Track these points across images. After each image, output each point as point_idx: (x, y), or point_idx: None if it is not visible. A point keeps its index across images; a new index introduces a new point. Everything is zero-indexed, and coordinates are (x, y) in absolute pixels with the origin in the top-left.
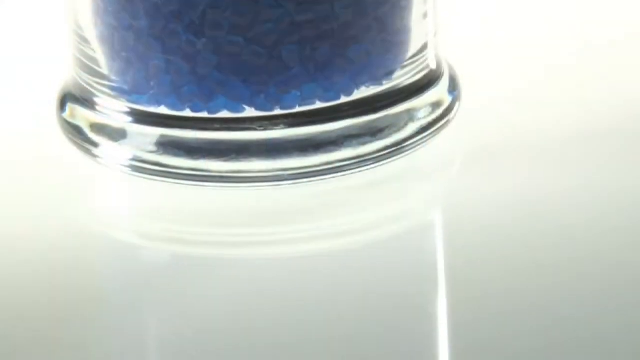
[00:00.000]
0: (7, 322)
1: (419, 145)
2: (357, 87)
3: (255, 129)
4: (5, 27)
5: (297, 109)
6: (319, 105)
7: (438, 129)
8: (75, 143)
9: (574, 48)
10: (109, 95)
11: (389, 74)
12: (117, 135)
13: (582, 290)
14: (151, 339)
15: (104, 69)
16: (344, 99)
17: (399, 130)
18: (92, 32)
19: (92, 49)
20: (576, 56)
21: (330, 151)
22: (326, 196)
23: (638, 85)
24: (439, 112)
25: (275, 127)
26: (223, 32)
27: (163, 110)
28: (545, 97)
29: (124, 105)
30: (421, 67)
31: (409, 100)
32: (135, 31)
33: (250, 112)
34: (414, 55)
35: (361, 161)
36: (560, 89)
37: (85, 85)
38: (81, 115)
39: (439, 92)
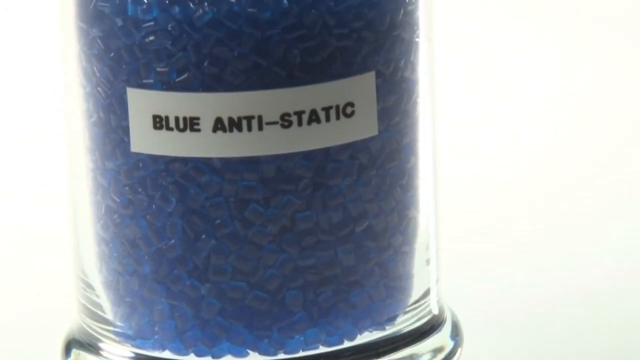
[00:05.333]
0: None
1: None
2: (360, 331)
3: None
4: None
5: (301, 354)
6: (322, 349)
7: None
8: None
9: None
10: (114, 341)
11: (391, 319)
12: None
13: None
14: None
15: (109, 314)
16: (347, 344)
17: None
18: (96, 278)
19: (97, 295)
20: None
21: None
22: None
23: None
24: (441, 356)
25: None
26: (226, 277)
27: (167, 354)
28: (551, 345)
29: (128, 350)
30: (423, 312)
31: (411, 346)
32: (140, 276)
33: (254, 356)
34: (416, 301)
35: None
36: (565, 336)
37: (89, 330)
38: None
39: (441, 338)
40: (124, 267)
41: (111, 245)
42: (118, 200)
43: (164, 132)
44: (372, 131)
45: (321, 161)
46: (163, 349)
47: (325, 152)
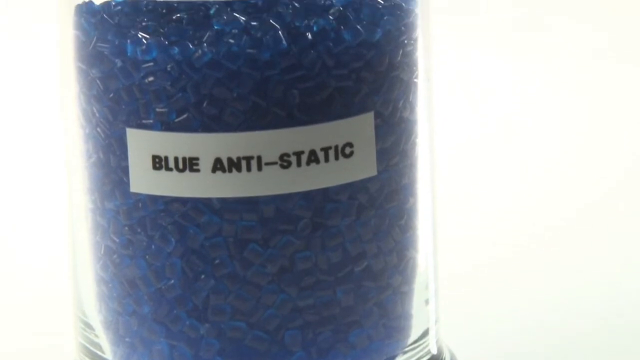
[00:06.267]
0: None
1: None
2: None
3: None
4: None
5: None
6: None
7: None
8: None
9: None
10: None
11: (390, 359)
12: None
13: None
14: None
15: (108, 355)
16: None
17: None
18: (96, 318)
19: (96, 335)
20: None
21: None
22: None
23: None
24: None
25: None
26: (226, 317)
27: None
28: None
29: None
30: (422, 352)
31: None
32: (139, 316)
33: None
34: (415, 341)
35: None
36: None
37: None
38: None
39: None
40: (123, 307)
41: (110, 285)
42: (117, 240)
43: (163, 172)
44: (371, 171)
45: (320, 201)
46: None
47: (324, 192)
